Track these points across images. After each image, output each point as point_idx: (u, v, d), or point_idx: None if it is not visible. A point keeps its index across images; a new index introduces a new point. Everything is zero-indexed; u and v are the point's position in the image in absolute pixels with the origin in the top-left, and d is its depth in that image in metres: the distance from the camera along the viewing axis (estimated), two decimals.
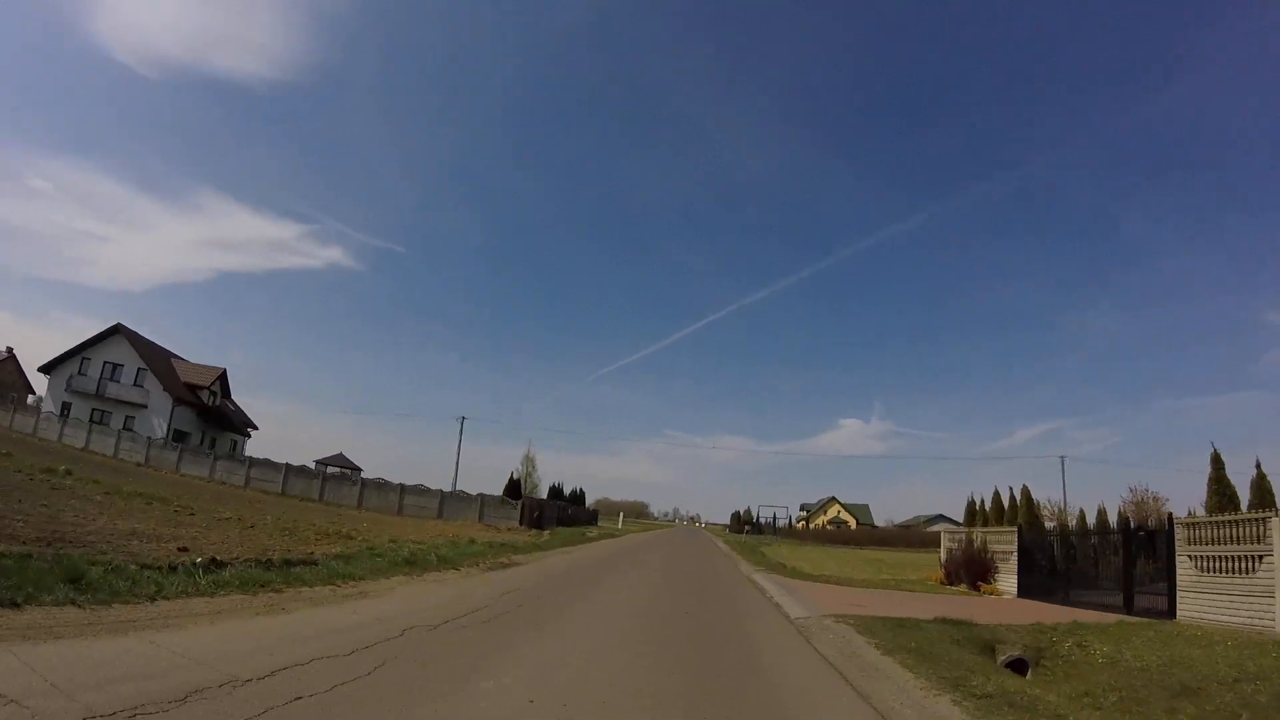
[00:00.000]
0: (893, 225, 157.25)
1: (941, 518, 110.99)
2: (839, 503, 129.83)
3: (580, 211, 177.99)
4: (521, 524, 38.11)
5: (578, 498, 63.57)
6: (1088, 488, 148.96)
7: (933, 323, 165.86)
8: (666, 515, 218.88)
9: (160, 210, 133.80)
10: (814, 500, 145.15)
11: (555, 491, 54.78)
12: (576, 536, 34.92)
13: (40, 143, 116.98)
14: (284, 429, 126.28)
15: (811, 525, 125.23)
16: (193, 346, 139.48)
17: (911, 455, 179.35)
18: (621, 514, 68.44)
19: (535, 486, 55.93)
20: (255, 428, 62.20)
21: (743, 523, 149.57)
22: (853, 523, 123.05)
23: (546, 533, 35.63)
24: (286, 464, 41.08)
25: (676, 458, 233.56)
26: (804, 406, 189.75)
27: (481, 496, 39.83)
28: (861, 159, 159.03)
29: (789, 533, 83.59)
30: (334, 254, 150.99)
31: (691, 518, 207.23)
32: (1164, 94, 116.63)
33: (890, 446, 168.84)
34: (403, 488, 41.03)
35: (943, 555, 22.96)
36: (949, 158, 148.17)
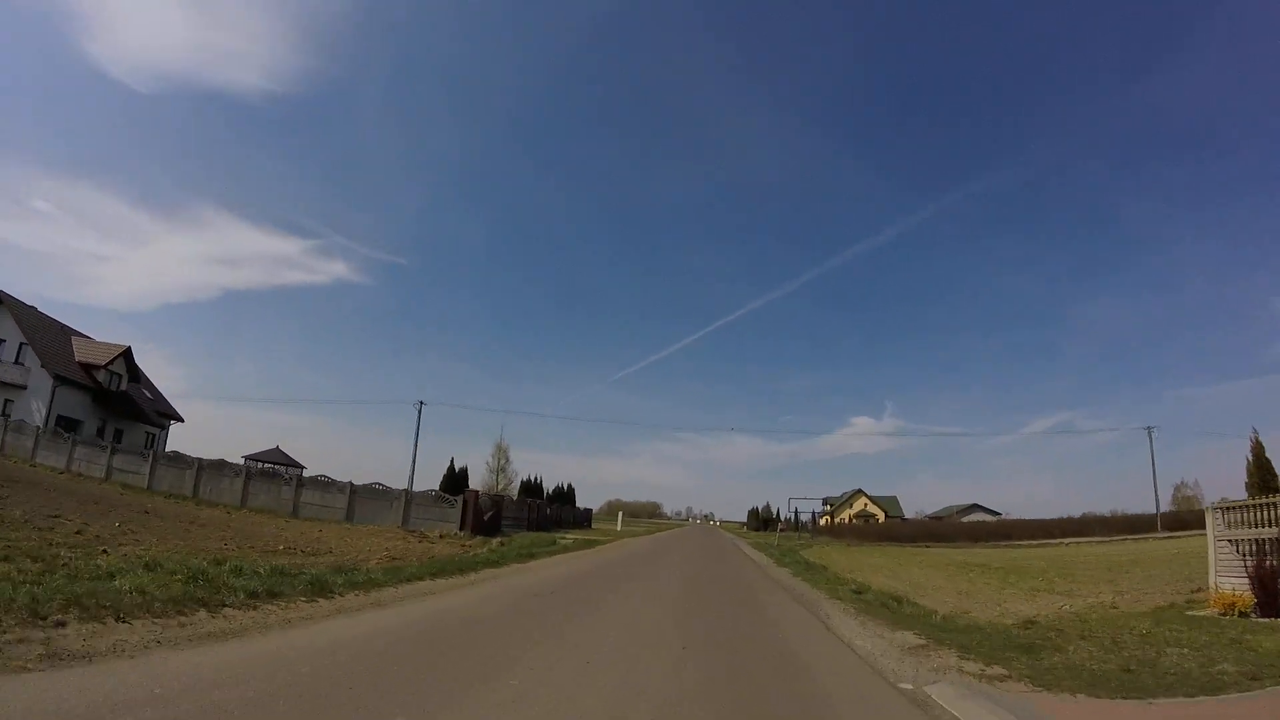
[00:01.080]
0: (899, 222, 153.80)
1: (977, 507, 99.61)
2: (866, 495, 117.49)
3: (591, 216, 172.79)
4: (463, 529, 26.81)
5: (563, 495, 51.79)
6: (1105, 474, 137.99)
7: (942, 318, 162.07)
8: (679, 514, 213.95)
9: (164, 228, 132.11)
10: (838, 494, 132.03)
11: (530, 488, 43.28)
12: (541, 546, 23.77)
13: (41, 163, 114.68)
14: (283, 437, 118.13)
15: (837, 520, 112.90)
16: (203, 364, 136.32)
17: (927, 450, 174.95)
18: (621, 513, 56.66)
19: (509, 483, 44.90)
20: (177, 419, 51.52)
21: (762, 520, 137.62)
22: (881, 515, 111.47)
23: (496, 540, 24.34)
24: (181, 457, 29.99)
25: (689, 459, 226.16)
26: (815, 405, 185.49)
27: (407, 494, 28.50)
28: (868, 156, 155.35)
29: (822, 530, 71.77)
30: (339, 269, 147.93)
31: (705, 516, 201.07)
32: (1163, 78, 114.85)
33: (901, 443, 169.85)
34: (299, 481, 29.88)
35: (1213, 553, 11.54)
36: (953, 151, 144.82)
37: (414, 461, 46.15)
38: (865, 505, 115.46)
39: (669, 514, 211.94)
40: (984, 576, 20.99)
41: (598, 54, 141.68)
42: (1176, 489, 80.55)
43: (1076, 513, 62.82)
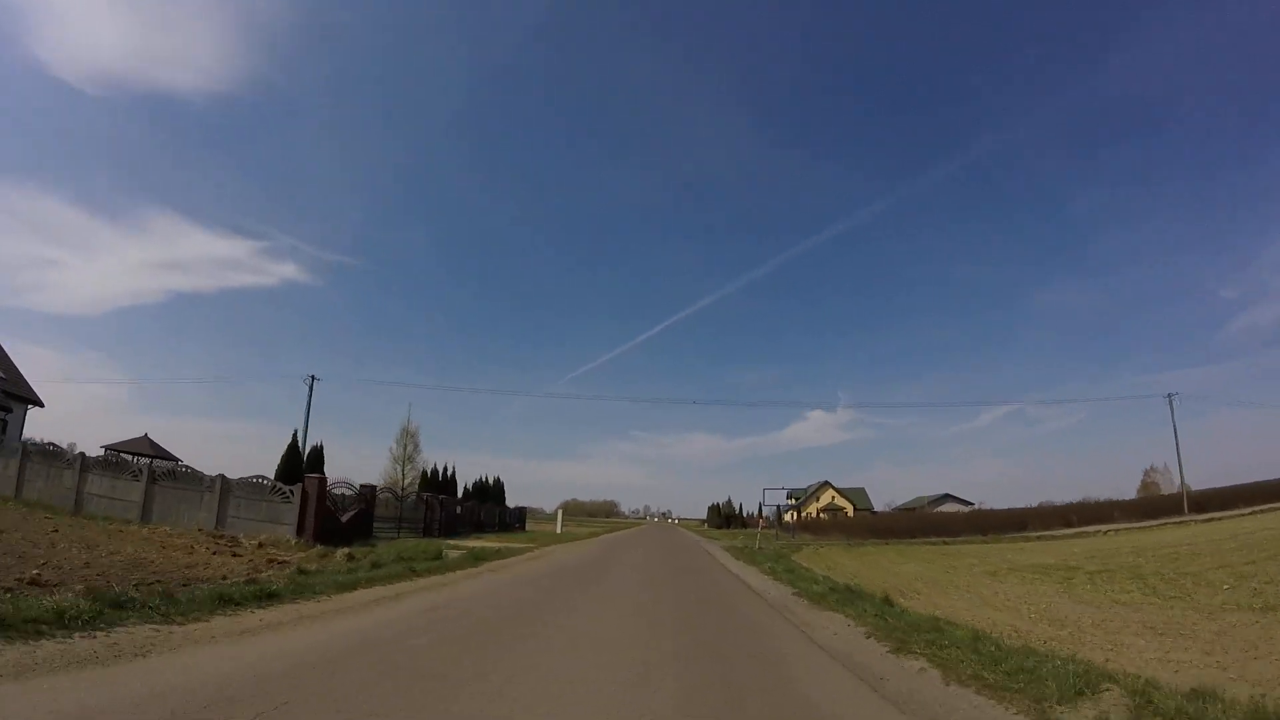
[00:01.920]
0: (852, 215, 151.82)
1: (949, 497, 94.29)
2: (833, 487, 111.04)
3: (538, 215, 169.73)
4: (301, 534, 17.55)
5: (485, 491, 41.63)
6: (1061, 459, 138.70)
7: (895, 309, 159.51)
8: (636, 513, 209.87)
9: (108, 231, 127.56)
10: (800, 487, 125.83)
11: (436, 482, 33.33)
12: (419, 561, 14.87)
13: None
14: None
15: (803, 514, 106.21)
16: (150, 370, 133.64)
17: (883, 441, 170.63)
18: (561, 513, 47.51)
19: (416, 477, 35.23)
20: (34, 403, 40.44)
21: (724, 516, 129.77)
22: (849, 508, 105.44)
23: (342, 553, 15.21)
24: None
25: (645, 457, 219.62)
26: (770, 400, 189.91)
27: (222, 479, 18.95)
28: (818, 148, 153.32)
29: (801, 527, 64.05)
30: (288, 270, 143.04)
31: (663, 514, 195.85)
32: (1111, 64, 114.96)
33: (856, 435, 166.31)
34: (83, 462, 20.22)
35: None
36: (903, 142, 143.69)
37: (303, 448, 36.01)
38: (833, 498, 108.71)
39: (626, 513, 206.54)
40: (1113, 587, 13.12)
41: (540, 55, 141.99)
42: (1146, 473, 76.11)
43: (1053, 500, 59.44)
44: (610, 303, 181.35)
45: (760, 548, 26.69)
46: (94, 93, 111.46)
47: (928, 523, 48.21)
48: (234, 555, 15.46)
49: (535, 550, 21.12)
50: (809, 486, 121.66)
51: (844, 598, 9.83)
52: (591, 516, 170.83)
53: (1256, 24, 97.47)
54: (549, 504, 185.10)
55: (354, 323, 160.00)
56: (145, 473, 19.72)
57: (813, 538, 47.06)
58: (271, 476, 21.07)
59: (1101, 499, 49.01)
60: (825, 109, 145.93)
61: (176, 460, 35.64)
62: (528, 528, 43.03)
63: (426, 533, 25.58)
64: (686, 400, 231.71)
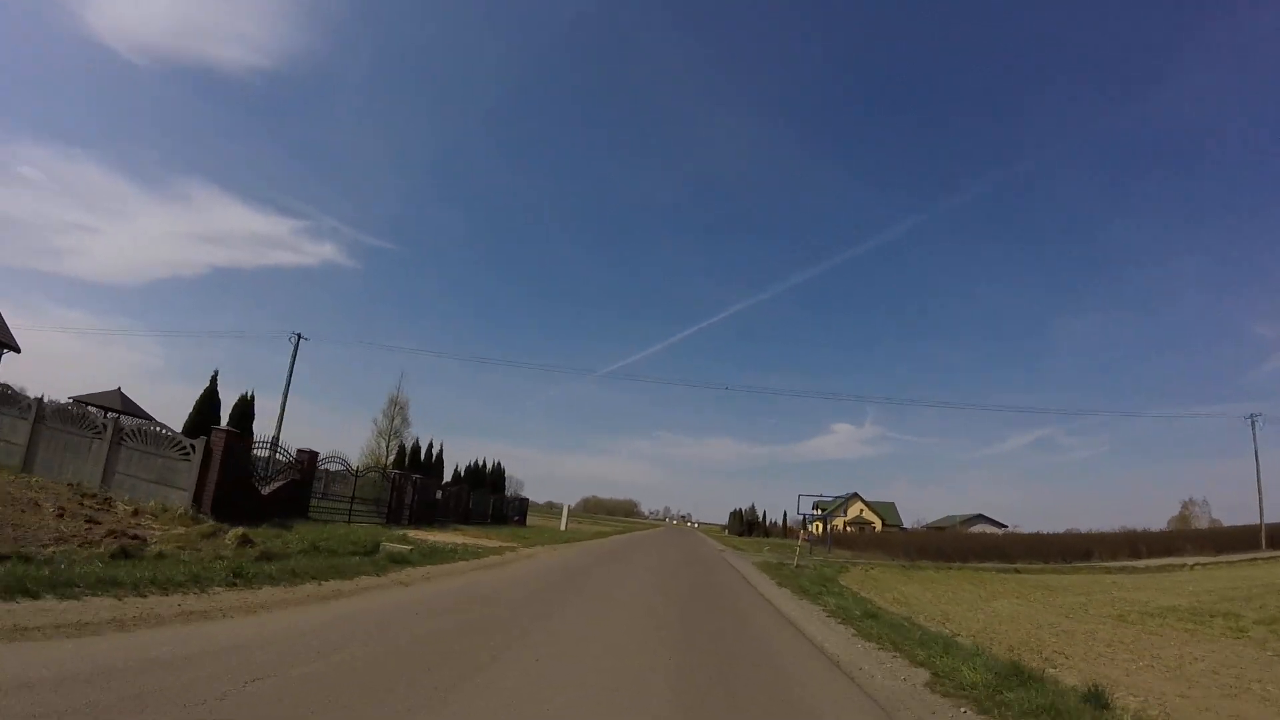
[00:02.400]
0: (887, 229, 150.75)
1: (982, 518, 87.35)
2: (862, 500, 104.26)
3: (570, 211, 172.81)
4: (198, 504, 13.31)
5: (479, 475, 35.99)
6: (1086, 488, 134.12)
7: (925, 328, 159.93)
8: (656, 514, 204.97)
9: (151, 202, 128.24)
10: (828, 497, 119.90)
11: (419, 461, 28.49)
12: (338, 554, 10.57)
13: (28, 129, 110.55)
14: None
15: (829, 526, 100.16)
16: (187, 344, 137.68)
17: (907, 458, 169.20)
18: (566, 509, 42.79)
19: (400, 450, 30.98)
20: (13, 349, 37.98)
21: (746, 522, 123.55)
22: (878, 523, 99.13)
23: (235, 534, 10.91)
24: None
25: (668, 458, 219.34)
26: (797, 410, 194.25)
27: (114, 424, 14.80)
28: (856, 163, 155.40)
29: (841, 540, 57.92)
30: (327, 251, 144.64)
31: (682, 516, 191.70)
32: (1152, 95, 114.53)
33: (879, 450, 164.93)
34: None
35: None
36: (939, 160, 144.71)
37: (281, 414, 32.23)
38: (861, 511, 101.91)
39: (646, 513, 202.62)
40: None
41: (576, 52, 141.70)
42: (1185, 505, 71.65)
43: (1077, 527, 55.09)
44: (639, 302, 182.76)
45: (799, 565, 21.68)
46: (143, 63, 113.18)
47: (979, 544, 42.19)
48: (90, 522, 11.30)
49: (507, 555, 16.42)
50: (837, 498, 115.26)
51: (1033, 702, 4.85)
52: (610, 515, 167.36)
53: None
54: (570, 499, 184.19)
55: (387, 308, 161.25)
56: (33, 410, 15.72)
57: (851, 554, 41.62)
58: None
59: (1139, 528, 43.20)
60: (863, 124, 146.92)
61: (149, 418, 32.18)
62: (529, 522, 38.48)
63: (392, 519, 21.25)
64: (718, 385, 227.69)
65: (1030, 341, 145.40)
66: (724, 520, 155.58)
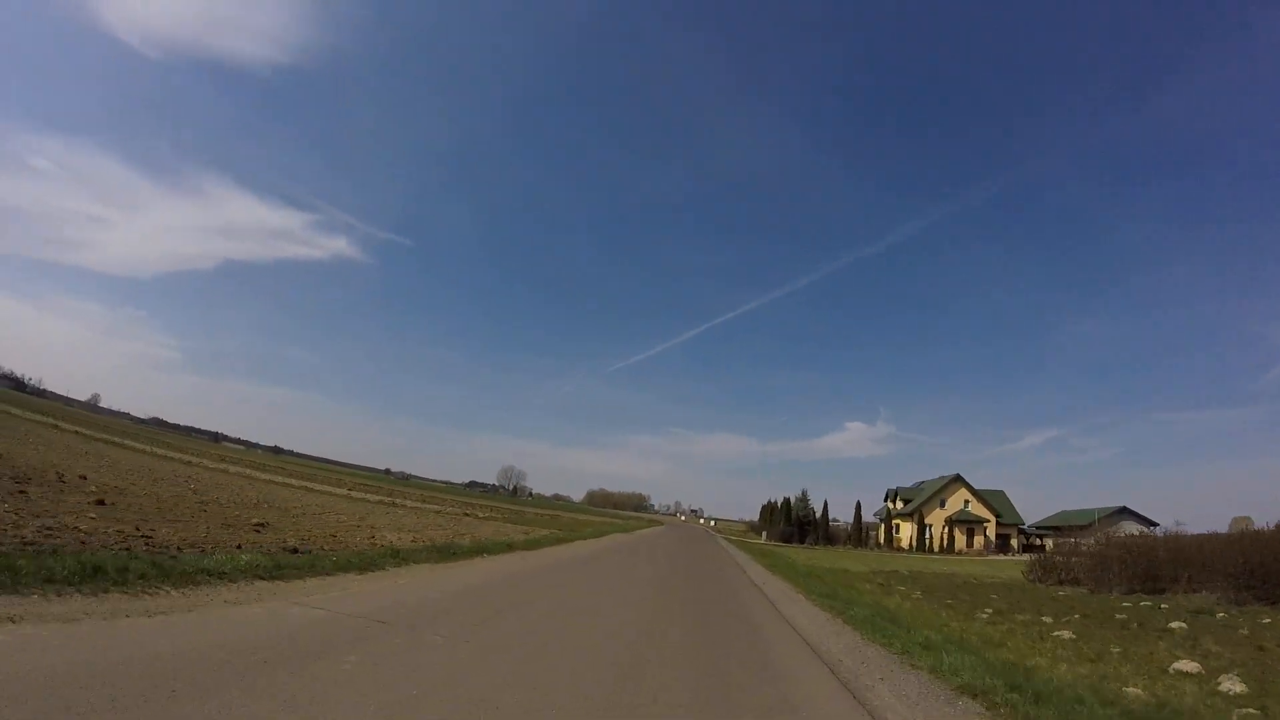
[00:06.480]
0: (898, 229, 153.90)
1: (1126, 511, 64.06)
2: (967, 487, 78.44)
3: (585, 209, 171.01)
4: None
5: None
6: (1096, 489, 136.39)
7: (936, 327, 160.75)
8: (667, 508, 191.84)
9: (163, 194, 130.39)
10: (925, 480, 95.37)
11: None
12: None
13: (40, 120, 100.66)
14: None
15: (927, 520, 75.30)
16: (200, 337, 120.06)
17: (920, 457, 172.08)
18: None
19: None
20: None
21: (799, 520, 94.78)
22: (992, 521, 73.98)
23: None
24: None
25: (680, 454, 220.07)
26: (809, 408, 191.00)
27: None
28: (867, 163, 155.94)
29: (1054, 566, 33.21)
30: (339, 245, 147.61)
31: (693, 511, 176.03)
32: (1159, 98, 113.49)
33: (892, 450, 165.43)
34: None
35: None
36: (949, 161, 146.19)
37: None
38: (966, 502, 75.58)
39: (656, 507, 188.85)
40: None
41: (589, 49, 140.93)
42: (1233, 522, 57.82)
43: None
44: (650, 299, 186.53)
45: None
46: (155, 56, 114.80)
47: None
48: None
49: None
50: (917, 484, 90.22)
51: None
52: (619, 509, 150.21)
53: None
54: (577, 493, 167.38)
55: (398, 301, 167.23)
56: None
57: (1090, 592, 17.39)
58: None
59: None
60: (874, 127, 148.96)
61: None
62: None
63: None
64: (730, 381, 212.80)
65: (1037, 341, 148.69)
66: (741, 515, 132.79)
